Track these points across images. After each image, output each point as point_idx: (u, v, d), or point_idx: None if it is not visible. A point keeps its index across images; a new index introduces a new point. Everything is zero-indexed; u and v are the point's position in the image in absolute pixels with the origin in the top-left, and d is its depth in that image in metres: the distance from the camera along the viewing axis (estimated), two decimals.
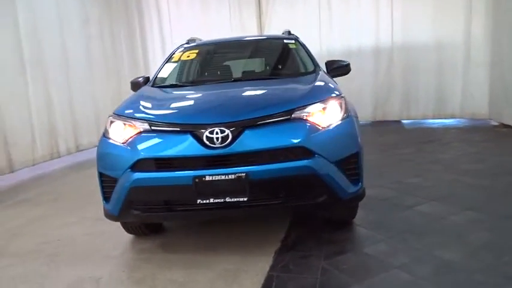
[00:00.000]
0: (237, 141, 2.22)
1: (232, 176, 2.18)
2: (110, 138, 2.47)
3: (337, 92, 2.62)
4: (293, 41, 3.79)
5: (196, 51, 3.85)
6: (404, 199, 3.38)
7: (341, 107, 2.49)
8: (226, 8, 8.74)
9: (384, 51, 8.09)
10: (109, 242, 2.94)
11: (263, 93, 2.79)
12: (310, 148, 2.23)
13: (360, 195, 2.50)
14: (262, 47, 3.95)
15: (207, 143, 2.22)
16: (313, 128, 2.31)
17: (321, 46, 8.47)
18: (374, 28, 8.08)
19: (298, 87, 2.77)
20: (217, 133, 2.22)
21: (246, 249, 2.63)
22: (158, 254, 2.70)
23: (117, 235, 2.98)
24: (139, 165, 2.29)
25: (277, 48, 3.87)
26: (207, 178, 2.19)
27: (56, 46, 6.15)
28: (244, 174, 2.18)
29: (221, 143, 2.21)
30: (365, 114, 8.23)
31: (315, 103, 2.42)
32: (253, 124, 2.27)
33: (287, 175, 2.21)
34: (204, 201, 2.23)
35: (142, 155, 2.29)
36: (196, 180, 2.20)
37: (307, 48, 3.70)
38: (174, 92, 3.09)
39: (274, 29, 8.65)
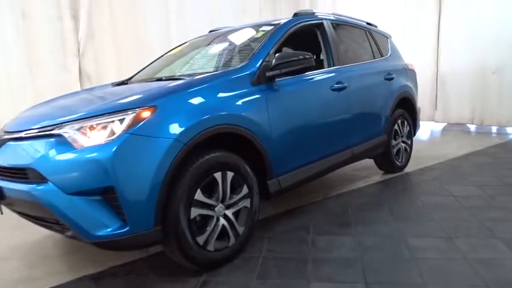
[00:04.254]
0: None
1: None
2: None
3: (143, 103, 1.99)
4: (269, 28, 2.96)
5: (187, 44, 3.62)
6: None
7: (123, 122, 1.88)
8: None
9: None
10: None
11: (78, 102, 2.46)
12: (41, 172, 1.85)
13: (127, 240, 1.88)
14: (234, 38, 3.24)
15: None
16: (59, 149, 1.87)
17: None
18: None
19: (129, 93, 2.25)
20: None
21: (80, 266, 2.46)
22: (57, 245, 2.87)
23: None
24: None
25: (241, 39, 3.13)
26: None
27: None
28: None
29: None
30: None
31: (89, 118, 1.94)
32: (18, 138, 2.09)
33: (22, 198, 1.96)
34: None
35: None
36: None
37: (273, 37, 2.79)
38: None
39: None
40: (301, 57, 2.57)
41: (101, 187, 1.83)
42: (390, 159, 3.99)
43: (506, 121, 6.30)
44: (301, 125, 2.76)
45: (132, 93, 2.19)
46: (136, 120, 1.91)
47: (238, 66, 2.54)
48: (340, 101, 3.16)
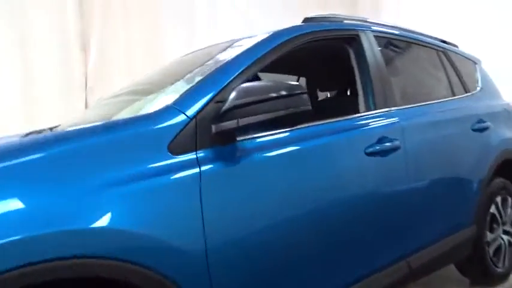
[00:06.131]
0: None
1: None
2: None
3: None
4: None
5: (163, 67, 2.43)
6: None
7: None
8: None
9: None
10: None
11: None
12: None
13: None
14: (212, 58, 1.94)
15: None
16: None
17: None
18: None
19: None
20: None
21: None
22: None
23: None
24: None
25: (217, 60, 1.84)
26: None
27: None
28: None
29: None
30: None
31: None
32: None
33: None
34: None
35: None
36: None
37: (242, 57, 1.49)
38: None
39: None
40: (283, 92, 1.23)
41: None
42: (484, 263, 2.35)
43: None
44: (289, 235, 1.35)
45: None
46: None
47: (151, 112, 1.27)
48: (384, 173, 1.71)
